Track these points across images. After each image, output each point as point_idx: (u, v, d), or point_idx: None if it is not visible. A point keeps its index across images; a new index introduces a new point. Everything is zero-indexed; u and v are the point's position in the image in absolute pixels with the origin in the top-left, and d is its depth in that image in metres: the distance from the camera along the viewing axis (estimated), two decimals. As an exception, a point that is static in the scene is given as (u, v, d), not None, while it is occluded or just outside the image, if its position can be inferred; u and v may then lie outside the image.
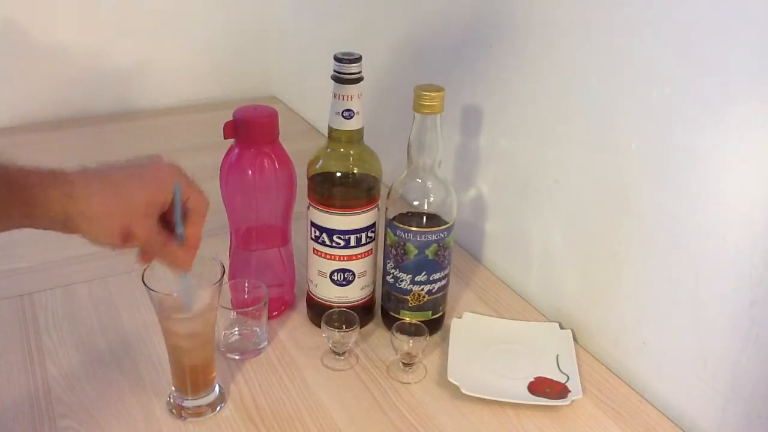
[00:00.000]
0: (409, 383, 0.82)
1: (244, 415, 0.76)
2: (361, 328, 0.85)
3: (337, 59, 0.78)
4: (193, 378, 0.75)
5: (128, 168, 0.65)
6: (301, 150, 0.87)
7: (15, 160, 0.58)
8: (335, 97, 0.80)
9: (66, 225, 0.59)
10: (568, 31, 0.85)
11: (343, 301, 0.87)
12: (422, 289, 0.85)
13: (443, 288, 0.87)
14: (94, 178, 0.61)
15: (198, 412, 0.75)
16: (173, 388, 0.76)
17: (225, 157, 0.85)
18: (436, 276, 0.85)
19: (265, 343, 0.86)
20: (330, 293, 0.87)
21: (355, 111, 0.80)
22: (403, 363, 0.82)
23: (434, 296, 0.86)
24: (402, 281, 0.85)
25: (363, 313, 0.88)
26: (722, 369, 0.73)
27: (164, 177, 0.65)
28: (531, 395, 0.79)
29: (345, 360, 0.84)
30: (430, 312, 0.87)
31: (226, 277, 0.74)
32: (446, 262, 0.86)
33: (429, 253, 0.83)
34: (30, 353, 0.83)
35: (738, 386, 0.72)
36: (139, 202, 0.63)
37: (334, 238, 0.84)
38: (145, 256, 0.66)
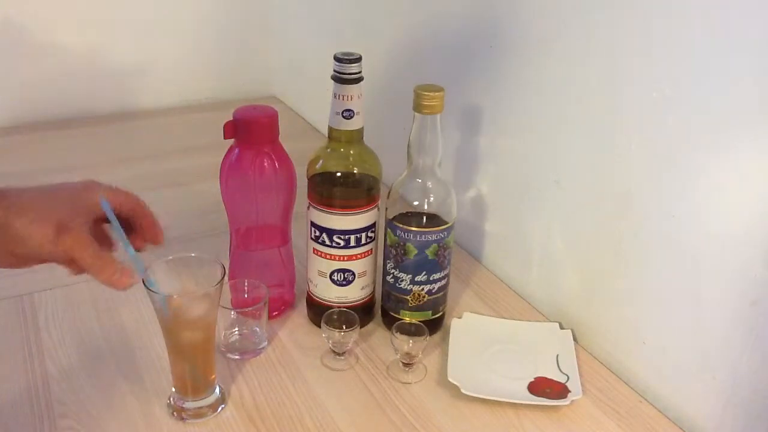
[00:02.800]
0: (409, 383, 0.82)
1: (245, 415, 0.76)
2: (361, 328, 0.85)
3: (337, 59, 0.78)
4: (193, 379, 0.75)
5: (56, 186, 0.66)
6: (301, 150, 0.87)
7: None
8: (335, 97, 0.80)
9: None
10: (568, 31, 0.85)
11: (343, 301, 0.87)
12: (422, 289, 0.85)
13: (443, 288, 0.87)
14: (27, 191, 0.63)
15: (198, 414, 0.75)
16: (173, 390, 0.75)
17: (225, 157, 0.85)
18: (436, 276, 0.85)
19: (265, 343, 0.86)
20: (330, 293, 0.87)
21: (355, 111, 0.80)
22: (403, 363, 0.82)
23: (434, 296, 0.86)
24: (402, 281, 0.85)
25: (363, 313, 0.88)
26: (722, 369, 0.73)
27: (85, 193, 0.65)
28: (531, 395, 0.79)
29: (345, 360, 0.84)
30: (430, 312, 0.87)
31: (226, 277, 0.74)
32: (446, 262, 0.86)
33: (429, 253, 0.83)
34: (30, 353, 0.83)
35: (738, 386, 0.72)
36: (67, 210, 0.63)
37: (334, 238, 0.84)
38: (75, 266, 0.63)
